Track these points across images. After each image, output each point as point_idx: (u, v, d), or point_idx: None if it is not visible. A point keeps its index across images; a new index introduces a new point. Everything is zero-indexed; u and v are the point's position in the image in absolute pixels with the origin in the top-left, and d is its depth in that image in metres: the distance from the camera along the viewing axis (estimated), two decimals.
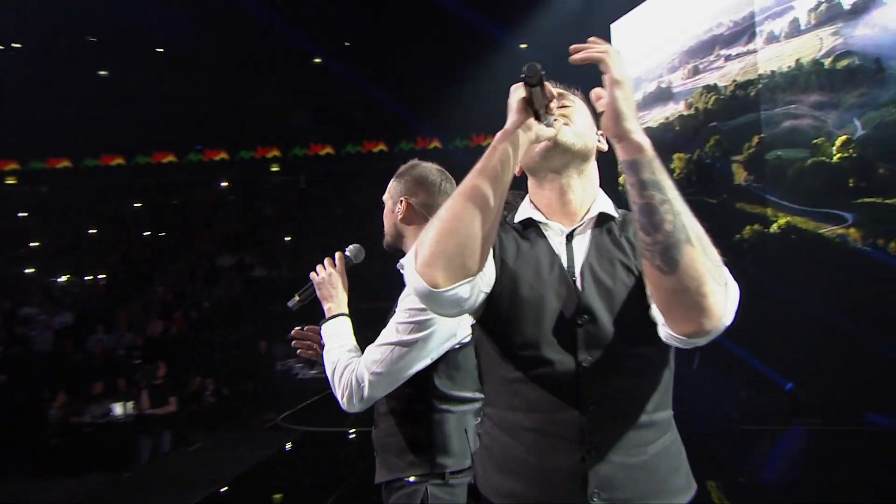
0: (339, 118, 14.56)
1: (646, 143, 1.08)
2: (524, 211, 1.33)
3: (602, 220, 1.29)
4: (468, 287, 1.12)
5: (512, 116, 1.18)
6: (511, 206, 1.60)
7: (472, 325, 1.35)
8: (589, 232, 1.28)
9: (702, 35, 8.72)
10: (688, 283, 1.04)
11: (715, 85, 8.50)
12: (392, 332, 1.70)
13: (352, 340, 1.83)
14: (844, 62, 7.02)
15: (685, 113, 8.95)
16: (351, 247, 2.03)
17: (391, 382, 1.69)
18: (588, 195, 1.30)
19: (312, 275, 1.94)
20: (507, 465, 1.23)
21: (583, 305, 1.20)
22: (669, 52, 9.33)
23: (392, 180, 1.97)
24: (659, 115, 9.55)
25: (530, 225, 1.30)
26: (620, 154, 1.11)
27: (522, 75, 1.14)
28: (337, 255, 1.98)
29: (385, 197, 1.96)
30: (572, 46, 1.13)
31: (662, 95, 9.48)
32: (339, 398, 1.74)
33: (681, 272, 1.03)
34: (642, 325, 1.19)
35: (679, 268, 1.03)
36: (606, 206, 1.32)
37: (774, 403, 6.85)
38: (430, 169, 1.97)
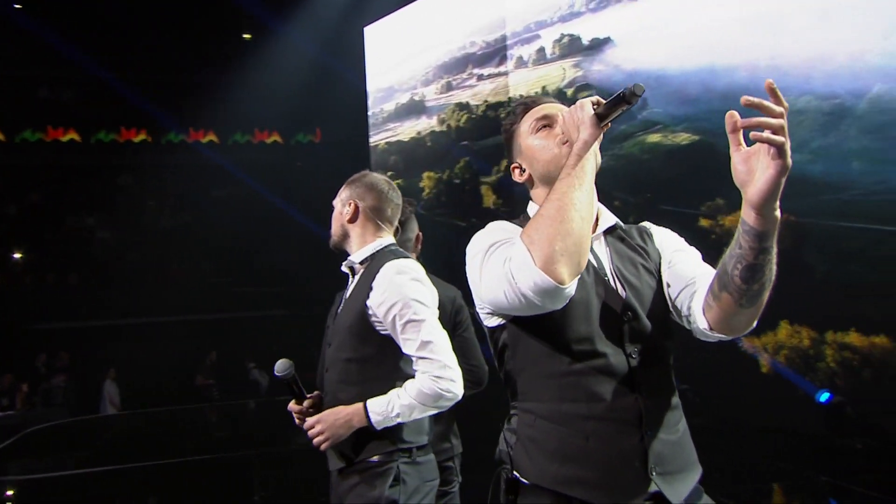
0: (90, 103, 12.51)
1: (779, 217, 1.16)
2: None
3: (610, 228, 1.39)
4: (576, 282, 1.18)
5: (588, 130, 1.27)
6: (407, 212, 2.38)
7: (499, 325, 1.39)
8: (603, 239, 1.39)
9: (456, 51, 8.59)
10: (754, 314, 1.26)
11: (467, 103, 8.38)
12: (420, 320, 1.83)
13: (382, 397, 1.84)
14: (584, 94, 6.98)
15: (437, 129, 8.71)
16: (278, 366, 1.98)
17: (451, 349, 1.84)
18: (595, 205, 1.36)
19: (314, 435, 1.93)
20: (566, 453, 1.29)
21: (627, 303, 1.32)
22: (424, 65, 9.09)
23: (343, 187, 2.09)
24: (411, 128, 9.25)
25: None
26: (753, 222, 1.17)
27: (627, 94, 1.22)
28: (307, 402, 2.01)
29: (335, 202, 2.08)
30: (746, 100, 1.14)
31: (415, 108, 9.29)
32: (442, 405, 1.84)
33: (755, 309, 1.24)
34: (666, 319, 1.37)
35: (755, 306, 1.23)
36: (610, 215, 1.42)
37: None
38: (379, 178, 2.09)
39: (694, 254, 1.45)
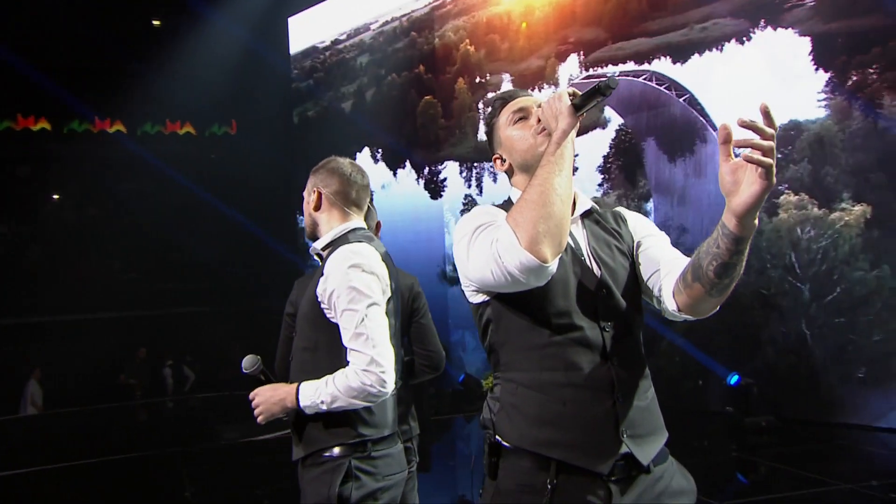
0: None
1: (757, 225, 1.29)
2: None
3: (587, 212, 1.49)
4: (558, 261, 1.27)
5: (566, 119, 1.35)
6: None
7: (483, 301, 1.46)
8: (580, 222, 1.47)
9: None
10: (719, 301, 1.38)
11: None
12: (354, 310, 1.78)
13: (315, 381, 1.82)
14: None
15: None
16: (245, 362, 1.96)
17: (387, 342, 1.78)
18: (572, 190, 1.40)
19: (253, 408, 1.92)
20: (545, 418, 1.38)
21: (601, 282, 1.43)
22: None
23: (309, 176, 2.06)
24: None
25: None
26: (733, 228, 1.27)
27: (602, 86, 1.30)
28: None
29: (304, 193, 2.04)
30: (741, 121, 1.23)
31: None
32: (368, 400, 1.80)
33: (721, 298, 1.37)
34: (636, 297, 1.48)
35: (723, 295, 1.36)
36: (587, 200, 1.51)
37: None
38: (343, 162, 2.06)
39: (664, 238, 1.56)
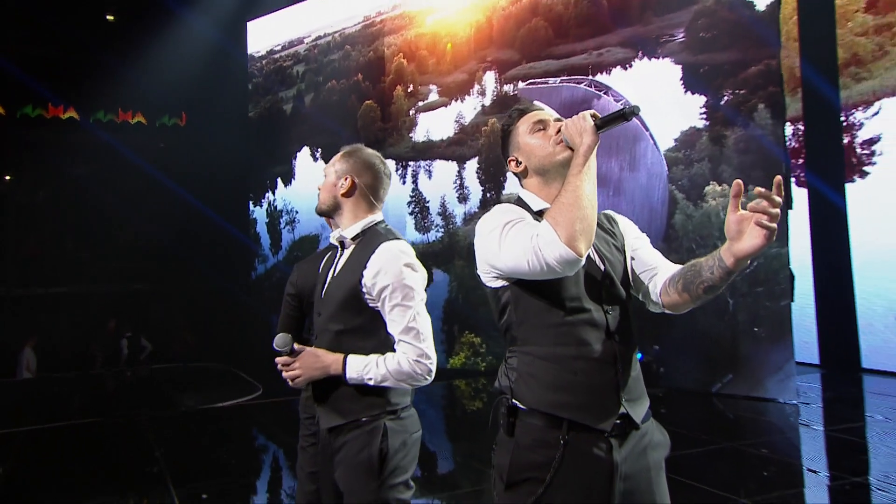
0: None
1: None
2: (536, 203, 1.64)
3: None
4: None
5: (590, 137, 1.51)
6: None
7: (502, 286, 1.60)
8: None
9: None
10: (697, 305, 1.58)
11: None
12: (408, 307, 1.89)
13: (367, 357, 1.91)
14: None
15: None
16: (277, 340, 2.00)
17: (431, 336, 1.91)
18: None
19: (290, 372, 1.98)
20: (558, 384, 1.52)
21: (605, 273, 1.59)
22: None
23: (338, 157, 2.08)
24: None
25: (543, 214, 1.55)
26: (730, 265, 1.48)
27: (626, 112, 1.48)
28: (294, 349, 2.00)
29: (328, 170, 2.07)
30: (758, 191, 1.44)
31: None
32: (412, 384, 1.91)
33: (700, 303, 1.58)
34: (629, 286, 1.66)
35: (702, 303, 1.58)
36: None
37: None
38: (375, 156, 2.09)
39: (647, 240, 1.75)
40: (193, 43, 10.98)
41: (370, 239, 1.94)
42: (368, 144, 10.75)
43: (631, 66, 7.54)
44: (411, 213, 9.48)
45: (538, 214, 1.59)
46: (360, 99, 10.25)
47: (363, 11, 10.54)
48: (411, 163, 9.64)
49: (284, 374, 1.94)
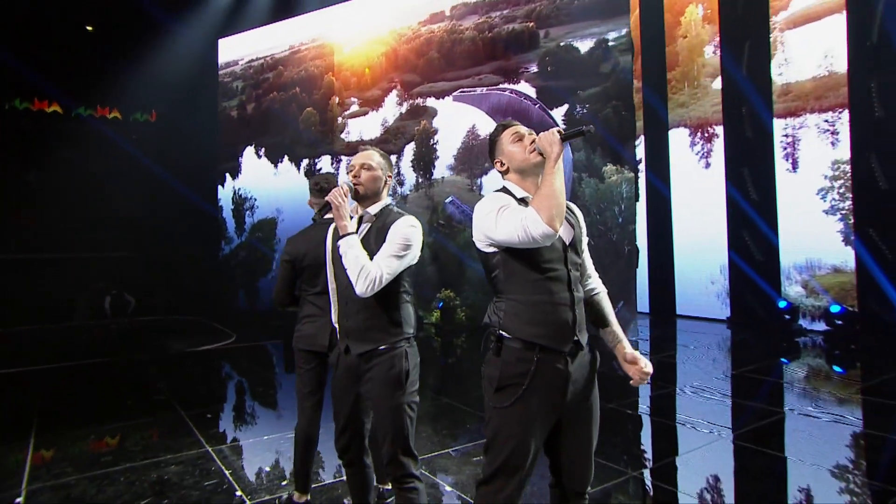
0: None
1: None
2: (518, 192, 1.86)
3: None
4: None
5: (558, 146, 1.72)
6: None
7: (493, 252, 1.78)
8: None
9: None
10: None
11: None
12: (394, 250, 2.02)
13: (362, 251, 2.02)
14: None
15: None
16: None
17: (391, 279, 2.02)
18: None
19: (331, 197, 2.05)
20: (535, 321, 1.73)
21: (571, 244, 1.83)
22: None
23: (378, 155, 2.21)
24: None
25: (525, 200, 1.84)
26: (616, 353, 1.89)
27: (585, 130, 1.72)
28: (344, 186, 2.11)
29: (374, 164, 2.17)
30: (634, 384, 1.87)
31: None
32: (358, 286, 1.98)
33: None
34: (582, 254, 1.91)
35: None
36: None
37: None
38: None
39: (586, 241, 1.96)
40: (168, 51, 11.53)
41: (386, 215, 2.13)
42: (310, 144, 11.32)
43: (512, 83, 8.96)
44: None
45: (520, 201, 1.82)
46: (300, 108, 11.25)
47: (289, 42, 11.65)
48: (341, 157, 10.69)
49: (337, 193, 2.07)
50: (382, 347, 2.07)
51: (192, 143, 11.78)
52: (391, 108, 9.88)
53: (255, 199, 11.79)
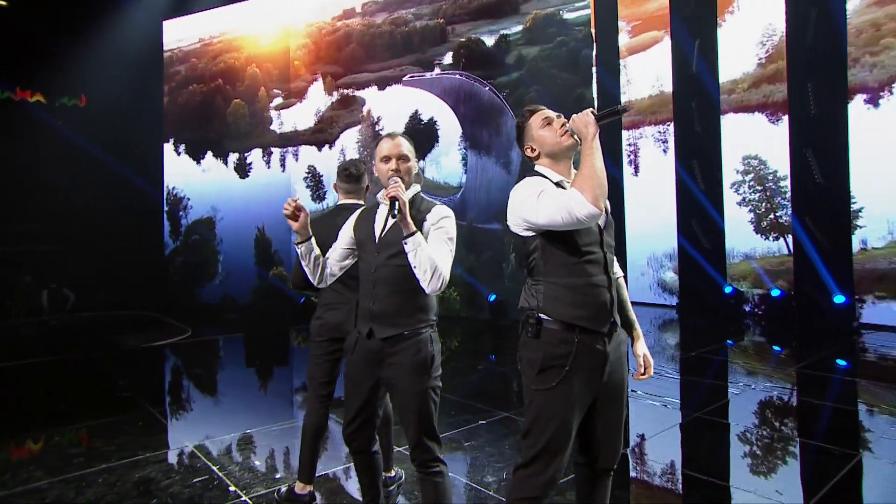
0: None
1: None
2: (553, 176, 1.70)
3: None
4: None
5: (594, 127, 1.56)
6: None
7: (532, 236, 1.62)
8: None
9: None
10: None
11: None
12: (447, 246, 1.85)
13: (433, 250, 1.82)
14: None
15: None
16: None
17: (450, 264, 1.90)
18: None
19: (397, 194, 1.78)
20: (575, 303, 1.61)
21: (603, 228, 1.70)
22: None
23: (409, 145, 1.95)
24: None
25: (560, 184, 1.70)
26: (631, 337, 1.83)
27: (620, 109, 1.58)
28: (398, 181, 1.84)
29: (409, 153, 1.92)
30: (636, 376, 1.75)
31: None
32: (431, 285, 1.78)
33: None
34: (614, 238, 1.81)
35: None
36: None
37: None
38: None
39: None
40: (107, 32, 10.02)
41: (418, 202, 1.94)
42: (239, 136, 10.07)
43: (422, 76, 8.89)
44: (307, 187, 9.67)
45: (556, 185, 1.69)
46: (225, 100, 10.34)
47: (198, 34, 10.51)
48: (275, 149, 9.85)
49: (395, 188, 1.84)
50: (408, 332, 1.89)
51: (132, 130, 10.28)
52: (319, 99, 9.53)
53: (189, 199, 10.50)
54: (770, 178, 7.27)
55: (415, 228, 1.79)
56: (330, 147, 9.06)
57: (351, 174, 2.54)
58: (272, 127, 9.87)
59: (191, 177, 10.21)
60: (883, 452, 2.99)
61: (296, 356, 6.20)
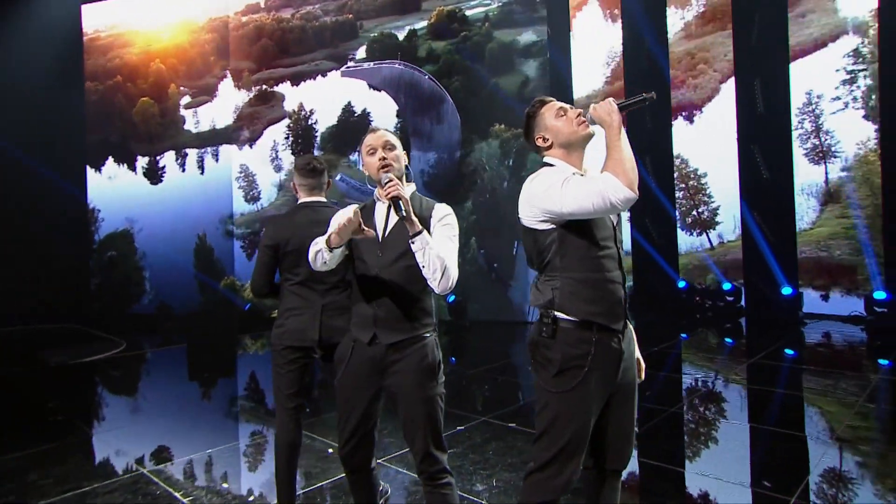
0: None
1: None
2: (567, 168, 1.56)
3: None
4: None
5: (617, 116, 1.44)
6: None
7: (549, 229, 1.48)
8: None
9: None
10: None
11: None
12: (452, 244, 1.69)
13: (441, 248, 1.64)
14: None
15: None
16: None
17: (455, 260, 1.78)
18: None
19: (396, 192, 1.59)
20: (593, 299, 1.48)
21: (616, 222, 1.59)
22: None
23: (396, 139, 1.75)
24: None
25: (576, 175, 1.61)
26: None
27: (647, 97, 1.41)
28: (393, 178, 1.66)
29: (395, 142, 1.73)
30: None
31: None
32: (441, 285, 1.60)
33: None
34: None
35: None
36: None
37: None
38: None
39: None
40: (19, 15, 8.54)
41: (418, 200, 1.74)
42: (148, 138, 8.60)
43: (360, 66, 8.47)
44: (239, 188, 8.77)
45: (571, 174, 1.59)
46: (127, 98, 9.04)
47: (91, 26, 9.18)
48: (191, 150, 8.65)
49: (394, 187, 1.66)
50: (414, 337, 1.69)
51: (50, 125, 8.61)
52: (233, 95, 8.74)
53: (99, 211, 8.97)
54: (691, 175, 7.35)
55: (420, 227, 1.61)
56: (251, 146, 8.19)
57: (315, 168, 2.18)
58: (186, 126, 8.77)
59: (95, 187, 8.55)
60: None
61: (246, 365, 5.56)
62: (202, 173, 8.62)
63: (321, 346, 2.03)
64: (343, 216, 1.55)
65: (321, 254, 1.64)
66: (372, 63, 8.01)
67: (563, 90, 7.28)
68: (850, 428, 2.99)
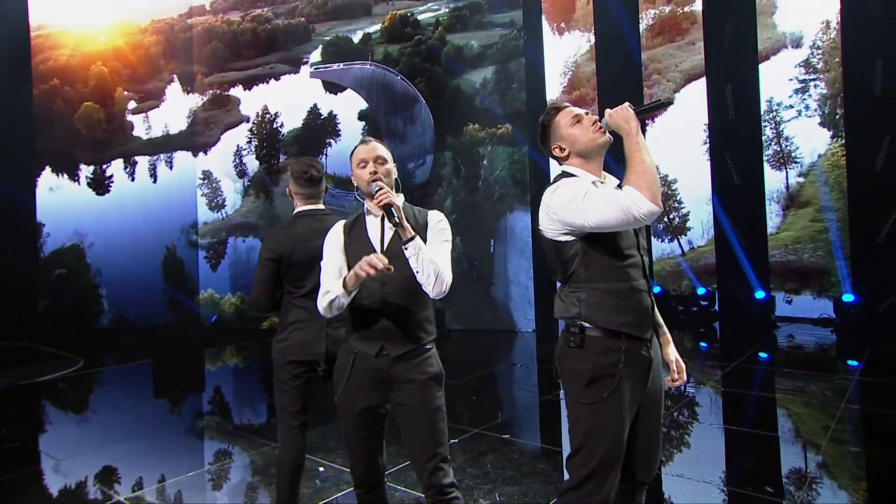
0: None
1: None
2: (586, 177, 1.48)
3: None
4: None
5: (635, 121, 1.35)
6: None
7: (571, 241, 1.39)
8: None
9: None
10: None
11: None
12: (446, 249, 1.60)
13: (433, 253, 1.57)
14: None
15: None
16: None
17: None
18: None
19: (388, 200, 1.50)
20: (619, 309, 1.39)
21: (640, 230, 1.51)
22: None
23: (387, 150, 1.65)
24: None
25: (594, 185, 1.50)
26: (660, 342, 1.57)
27: (665, 101, 1.35)
28: (384, 186, 1.56)
29: (387, 156, 1.63)
30: (670, 384, 1.48)
31: None
32: (435, 289, 1.51)
33: None
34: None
35: None
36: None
37: None
38: None
39: None
40: None
41: (410, 209, 1.64)
42: (95, 146, 7.74)
43: (294, 73, 7.76)
44: (203, 195, 7.94)
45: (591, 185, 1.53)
46: (67, 103, 8.01)
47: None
48: (142, 157, 7.69)
49: (384, 194, 1.56)
50: (420, 347, 1.59)
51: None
52: (182, 100, 7.88)
53: (44, 226, 7.80)
54: None
55: (413, 233, 1.51)
56: (206, 152, 7.45)
57: (312, 177, 1.98)
58: (136, 132, 7.90)
59: (41, 198, 7.47)
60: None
61: (216, 381, 5.10)
62: (154, 182, 7.76)
63: (328, 359, 1.86)
64: (365, 264, 1.36)
65: (338, 300, 1.49)
66: (342, 64, 7.51)
67: (532, 92, 6.85)
68: (823, 429, 2.89)
